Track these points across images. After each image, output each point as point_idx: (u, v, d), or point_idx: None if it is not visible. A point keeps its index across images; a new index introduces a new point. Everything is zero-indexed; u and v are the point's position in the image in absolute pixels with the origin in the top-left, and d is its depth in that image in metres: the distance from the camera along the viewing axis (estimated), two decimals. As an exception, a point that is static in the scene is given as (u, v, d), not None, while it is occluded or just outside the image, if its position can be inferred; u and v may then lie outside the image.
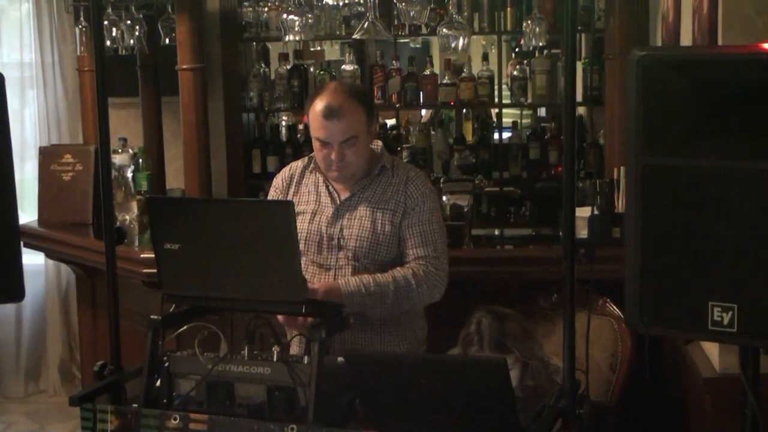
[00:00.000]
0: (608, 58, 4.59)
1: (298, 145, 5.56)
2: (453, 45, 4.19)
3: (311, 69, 5.77)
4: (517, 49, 6.71)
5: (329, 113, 3.11)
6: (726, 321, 2.17)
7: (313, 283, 3.08)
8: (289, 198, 3.32)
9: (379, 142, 3.38)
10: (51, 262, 5.76)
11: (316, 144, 3.20)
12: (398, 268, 3.18)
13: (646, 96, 2.20)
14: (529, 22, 4.72)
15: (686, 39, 3.54)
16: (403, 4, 4.34)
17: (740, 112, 2.13)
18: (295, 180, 3.37)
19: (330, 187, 3.30)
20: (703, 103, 2.16)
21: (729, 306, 2.16)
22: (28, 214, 5.26)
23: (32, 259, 5.28)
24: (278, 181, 3.41)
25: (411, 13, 4.25)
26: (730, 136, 2.14)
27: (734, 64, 2.15)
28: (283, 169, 3.45)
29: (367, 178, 3.26)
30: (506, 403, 2.44)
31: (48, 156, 5.28)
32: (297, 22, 4.12)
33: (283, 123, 6.20)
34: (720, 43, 2.94)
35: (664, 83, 2.19)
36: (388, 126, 6.22)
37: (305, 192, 3.34)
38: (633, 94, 2.22)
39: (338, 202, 3.27)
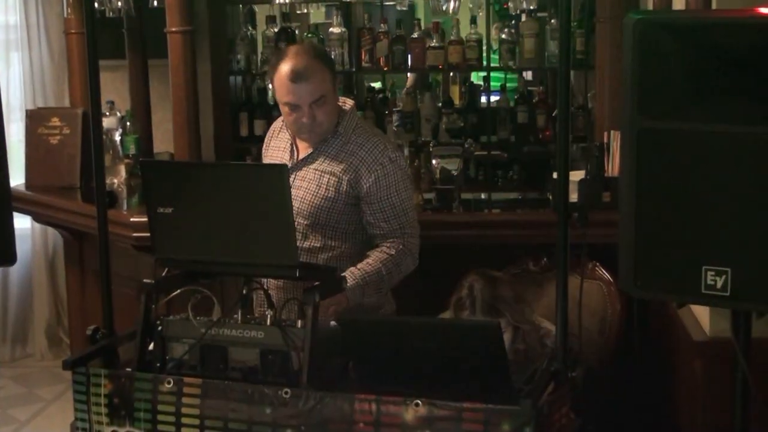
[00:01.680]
0: (599, 21, 4.56)
1: (286, 109, 5.52)
2: (444, 7, 4.17)
3: (297, 32, 5.73)
4: (499, 12, 6.67)
5: (296, 76, 3.09)
6: (719, 285, 2.19)
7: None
8: (265, 155, 3.39)
9: (349, 101, 3.35)
10: (38, 225, 5.74)
11: (284, 109, 3.18)
12: (380, 251, 3.17)
13: (642, 60, 2.21)
14: (521, -16, 4.70)
15: (679, 2, 3.53)
16: (393, -34, 4.32)
17: (735, 76, 2.13)
18: (272, 137, 3.44)
19: (293, 146, 3.31)
20: (698, 67, 2.16)
21: (722, 270, 2.18)
22: (14, 177, 5.20)
23: (19, 223, 5.20)
24: (266, 137, 3.50)
25: (401, -24, 4.22)
26: (725, 100, 2.15)
27: (730, 27, 2.16)
28: (272, 125, 3.52)
29: (325, 140, 3.25)
30: (500, 366, 2.46)
31: (35, 119, 5.25)
32: (287, -15, 4.09)
33: (270, 86, 6.16)
34: (714, 7, 2.94)
35: (660, 47, 2.19)
36: (375, 89, 6.19)
37: (276, 148, 3.37)
38: (628, 57, 2.22)
39: (295, 160, 3.28)
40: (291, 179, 3.22)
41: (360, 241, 3.24)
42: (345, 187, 3.19)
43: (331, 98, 3.18)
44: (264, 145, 3.49)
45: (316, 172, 3.22)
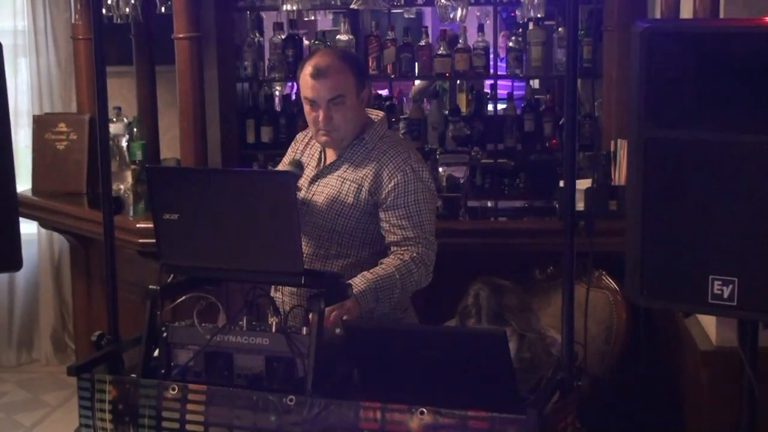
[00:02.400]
0: (607, 29, 4.57)
1: (293, 116, 5.54)
2: (452, 15, 4.17)
3: (305, 39, 5.74)
4: (507, 21, 6.68)
5: (316, 72, 3.13)
6: (726, 294, 2.18)
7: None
8: (283, 161, 3.39)
9: (380, 113, 3.36)
10: (44, 231, 5.74)
11: (306, 108, 3.21)
12: (393, 257, 3.14)
13: (649, 69, 2.21)
14: (528, -7, 4.70)
15: (686, 11, 3.53)
16: (401, -26, 4.32)
17: (743, 86, 2.13)
18: (302, 145, 3.42)
19: (322, 153, 3.32)
20: (705, 75, 2.16)
21: (729, 279, 2.18)
22: (20, 182, 5.21)
23: (25, 229, 5.18)
24: (300, 136, 3.48)
25: (409, -17, 4.22)
26: (732, 110, 2.15)
27: (738, 37, 2.16)
28: (297, 135, 3.52)
29: (350, 147, 3.25)
30: (505, 374, 2.44)
31: (42, 125, 5.26)
32: (295, -8, 4.10)
33: (277, 93, 6.17)
34: (721, 16, 2.93)
35: (668, 56, 2.19)
36: (383, 97, 6.19)
37: (309, 155, 3.36)
38: (636, 66, 2.23)
39: (321, 167, 3.28)
40: (315, 186, 3.25)
41: (377, 250, 3.21)
42: (364, 194, 3.18)
43: (352, 102, 3.17)
44: (296, 145, 3.46)
45: (339, 179, 3.23)
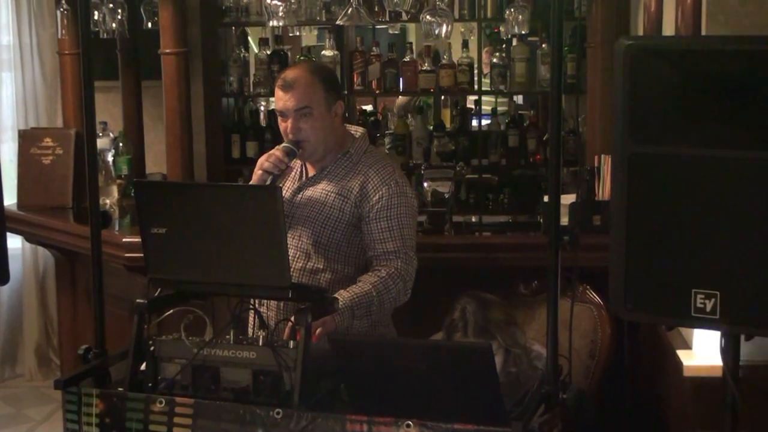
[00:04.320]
0: (590, 46, 4.62)
1: (278, 131, 5.52)
2: (437, 32, 4.20)
3: (290, 54, 5.76)
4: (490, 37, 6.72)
5: (284, 84, 3.20)
6: (709, 308, 2.21)
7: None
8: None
9: (361, 129, 3.39)
10: (28, 245, 5.73)
11: (279, 119, 3.25)
12: (371, 273, 3.16)
13: (633, 85, 2.23)
14: (512, 9, 4.73)
15: (669, 28, 3.56)
16: (388, -10, 4.34)
17: (725, 102, 2.16)
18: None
19: (303, 165, 3.33)
20: (689, 92, 2.19)
21: (712, 293, 2.20)
22: (5, 197, 5.18)
23: (9, 243, 5.17)
24: None
25: (395, 0, 4.25)
26: (715, 126, 2.17)
27: (720, 53, 2.18)
28: None
29: (333, 161, 3.27)
30: (491, 388, 2.46)
31: (28, 139, 5.26)
32: (281, 8, 4.12)
33: (262, 108, 6.19)
34: (704, 33, 2.97)
35: (651, 72, 2.22)
36: (367, 112, 6.22)
37: (290, 168, 3.36)
38: (619, 82, 2.25)
39: (304, 179, 3.30)
40: (298, 198, 3.25)
41: (362, 265, 3.23)
42: (349, 207, 3.20)
43: (320, 113, 3.19)
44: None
45: (323, 191, 3.24)
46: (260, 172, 3.15)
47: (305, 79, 3.20)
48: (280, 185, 3.25)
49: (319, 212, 3.22)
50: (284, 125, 3.21)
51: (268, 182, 3.10)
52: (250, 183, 3.26)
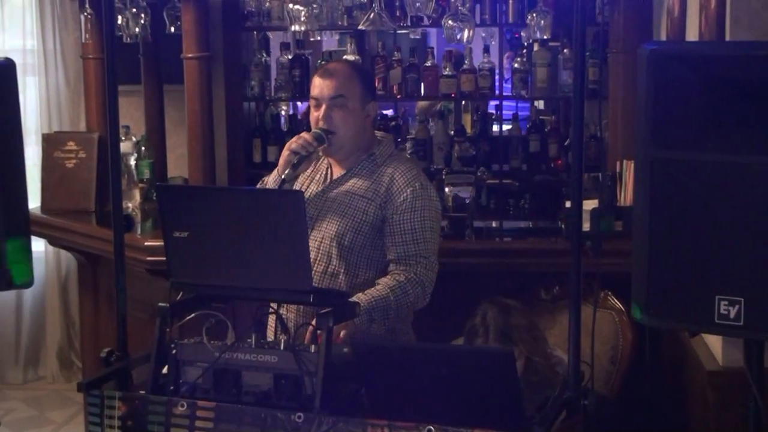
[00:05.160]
0: (612, 51, 4.60)
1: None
2: (458, 36, 4.21)
3: (311, 59, 5.77)
4: (512, 42, 6.72)
5: (323, 71, 3.26)
6: (732, 314, 2.19)
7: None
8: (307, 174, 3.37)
9: (387, 135, 3.42)
10: (51, 248, 5.76)
11: (312, 110, 3.28)
12: (390, 277, 3.16)
13: (656, 90, 2.22)
14: (534, 14, 4.73)
15: (692, 33, 3.55)
16: (410, -6, 4.35)
17: (749, 108, 2.15)
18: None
19: (329, 168, 3.34)
20: (712, 97, 2.18)
21: (736, 300, 2.18)
22: (29, 201, 5.25)
23: (33, 246, 5.26)
24: None
25: (416, 4, 4.26)
26: (738, 131, 2.16)
27: (743, 59, 2.17)
28: None
29: (359, 163, 3.28)
30: (512, 393, 2.46)
31: (51, 143, 5.30)
32: (303, 12, 4.14)
33: (283, 112, 6.21)
34: (727, 38, 2.96)
35: (674, 78, 2.20)
36: (388, 117, 6.23)
37: (315, 170, 3.37)
38: (642, 88, 2.24)
39: (329, 181, 3.30)
40: (323, 200, 3.27)
41: (381, 271, 3.24)
42: (374, 209, 3.21)
43: (354, 107, 3.22)
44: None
45: (348, 193, 3.25)
46: (287, 152, 3.16)
47: (346, 71, 3.27)
48: (305, 187, 3.27)
49: (344, 213, 3.22)
50: (316, 114, 3.24)
51: (294, 162, 3.13)
52: (278, 165, 3.27)
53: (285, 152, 3.19)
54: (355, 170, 3.28)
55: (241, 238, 2.63)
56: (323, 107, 3.21)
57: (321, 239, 3.22)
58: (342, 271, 3.22)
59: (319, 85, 3.23)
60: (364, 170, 3.27)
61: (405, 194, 3.20)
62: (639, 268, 2.28)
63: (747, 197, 2.15)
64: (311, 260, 3.07)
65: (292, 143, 3.18)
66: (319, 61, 5.73)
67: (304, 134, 3.21)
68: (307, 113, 3.69)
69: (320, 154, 3.30)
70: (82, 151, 5.18)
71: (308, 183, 3.33)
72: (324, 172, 3.35)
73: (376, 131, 3.41)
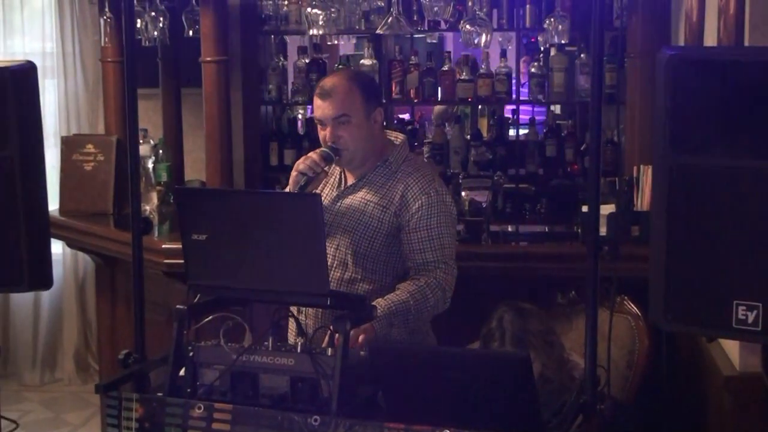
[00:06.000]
0: (629, 56, 4.60)
1: (316, 139, 5.54)
2: (476, 41, 4.21)
3: (328, 63, 5.79)
4: (528, 46, 6.72)
5: (322, 92, 3.20)
6: (751, 320, 2.19)
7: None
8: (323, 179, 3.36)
9: (401, 135, 3.39)
10: (69, 251, 5.79)
11: (318, 127, 3.26)
12: (410, 282, 3.16)
13: (675, 95, 2.22)
14: (552, 19, 4.73)
15: (710, 39, 3.54)
16: (427, -1, 4.36)
17: (767, 113, 2.14)
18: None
19: (342, 174, 3.33)
20: (731, 103, 2.17)
21: (754, 305, 2.18)
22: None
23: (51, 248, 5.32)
24: None
25: (434, 9, 4.26)
26: (757, 137, 2.16)
27: (764, 65, 2.17)
28: None
29: (373, 170, 3.27)
30: (529, 398, 2.46)
31: (70, 146, 5.33)
32: (321, 16, 4.15)
33: (300, 116, 6.22)
34: (746, 43, 2.95)
35: (693, 83, 2.20)
36: (405, 121, 6.23)
37: (328, 176, 3.37)
38: (661, 93, 2.24)
39: (342, 188, 3.30)
40: (337, 206, 3.26)
41: (400, 275, 3.24)
42: (389, 217, 3.20)
43: (359, 121, 3.19)
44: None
45: (362, 200, 3.24)
46: (295, 173, 3.17)
47: (343, 86, 3.20)
48: (319, 192, 3.26)
49: (358, 222, 3.22)
50: (323, 133, 3.22)
51: (302, 183, 3.11)
52: (288, 185, 3.27)
53: (294, 172, 3.18)
54: (369, 177, 3.27)
55: (258, 241, 2.64)
56: (328, 128, 3.19)
57: (337, 246, 3.22)
58: (359, 277, 3.22)
59: (320, 107, 3.20)
60: (378, 177, 3.26)
61: (420, 202, 3.19)
62: (656, 272, 2.28)
63: (765, 202, 2.15)
64: (328, 267, 3.09)
65: (300, 164, 3.17)
66: (337, 66, 5.74)
67: (312, 154, 3.19)
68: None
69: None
70: (100, 154, 5.21)
71: (322, 187, 3.33)
72: (337, 177, 3.35)
73: (390, 132, 3.39)
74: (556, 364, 3.10)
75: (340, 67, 5.63)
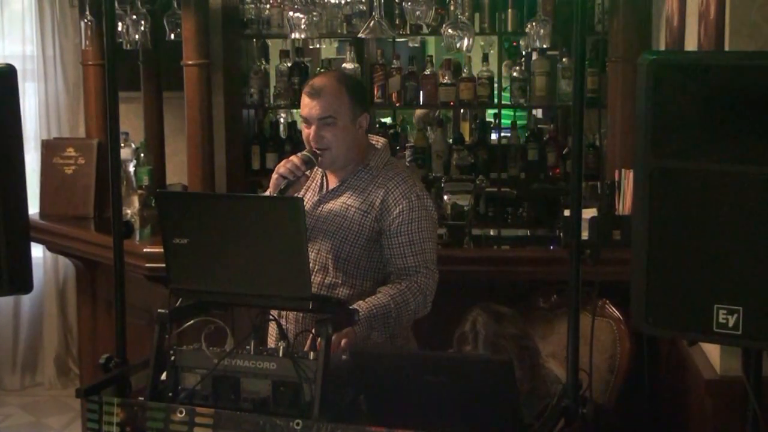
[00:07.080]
0: (611, 60, 4.62)
1: (298, 142, 5.56)
2: (458, 45, 4.22)
3: (310, 67, 5.78)
4: (509, 50, 6.74)
5: (311, 91, 3.19)
6: (731, 323, 2.20)
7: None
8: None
9: (382, 140, 3.39)
10: (49, 254, 5.77)
11: (303, 125, 3.26)
12: (391, 285, 3.15)
13: (655, 100, 2.23)
14: (534, 23, 4.74)
15: (691, 43, 3.56)
16: (409, 3, 4.36)
17: (748, 117, 2.15)
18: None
19: (324, 178, 3.33)
20: (711, 107, 2.18)
21: (734, 309, 2.19)
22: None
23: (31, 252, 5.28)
24: None
25: (416, 13, 4.26)
26: (737, 141, 2.17)
27: (744, 69, 2.18)
28: None
29: (354, 174, 3.27)
30: (511, 402, 2.47)
31: (50, 149, 5.31)
32: (303, 20, 4.14)
33: (282, 120, 6.22)
34: (727, 48, 2.97)
35: (674, 87, 2.21)
36: (386, 125, 6.24)
37: (310, 180, 3.36)
38: (642, 97, 2.25)
39: (324, 192, 3.30)
40: (318, 211, 3.25)
41: (380, 280, 3.23)
42: (369, 221, 3.20)
43: (344, 124, 3.19)
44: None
45: (344, 205, 3.24)
46: (276, 176, 3.16)
47: (332, 88, 3.19)
48: (302, 196, 3.26)
49: (339, 226, 3.22)
50: (307, 132, 3.22)
51: (282, 187, 3.11)
52: (268, 188, 3.27)
53: (274, 175, 3.17)
54: (350, 181, 3.27)
55: (240, 245, 2.64)
56: (313, 127, 3.19)
57: (318, 251, 3.21)
58: (340, 282, 3.21)
59: (307, 105, 3.19)
60: (359, 181, 3.26)
61: (400, 207, 3.19)
62: (637, 276, 2.29)
63: (745, 206, 2.16)
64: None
65: (281, 167, 3.16)
66: (319, 70, 5.74)
67: (293, 157, 3.18)
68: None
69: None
70: (81, 158, 5.19)
71: (304, 191, 3.33)
72: (319, 182, 3.34)
73: (371, 136, 3.39)
74: (530, 370, 3.06)
75: (322, 71, 5.63)
